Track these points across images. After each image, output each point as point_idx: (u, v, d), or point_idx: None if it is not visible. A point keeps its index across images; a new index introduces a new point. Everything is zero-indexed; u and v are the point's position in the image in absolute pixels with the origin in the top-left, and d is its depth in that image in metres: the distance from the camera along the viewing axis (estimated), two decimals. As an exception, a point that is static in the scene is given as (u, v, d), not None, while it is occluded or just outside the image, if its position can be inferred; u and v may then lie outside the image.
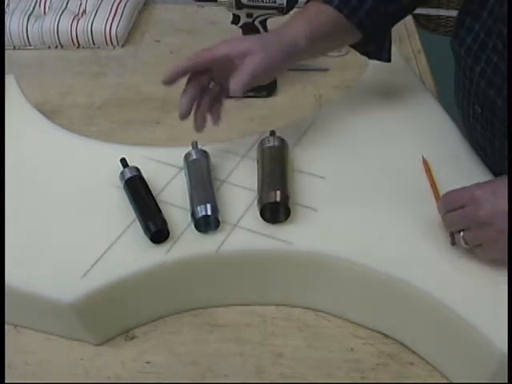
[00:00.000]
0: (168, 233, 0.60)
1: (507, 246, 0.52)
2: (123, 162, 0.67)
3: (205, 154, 0.67)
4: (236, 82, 0.60)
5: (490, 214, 0.51)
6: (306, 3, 0.71)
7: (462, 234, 0.55)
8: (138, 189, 0.64)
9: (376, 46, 0.74)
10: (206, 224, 0.61)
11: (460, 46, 0.71)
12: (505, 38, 0.63)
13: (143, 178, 0.66)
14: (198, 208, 0.60)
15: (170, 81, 0.63)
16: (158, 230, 0.59)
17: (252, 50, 0.61)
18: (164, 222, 0.60)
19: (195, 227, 0.60)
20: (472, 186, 0.55)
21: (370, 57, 0.75)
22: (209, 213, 0.60)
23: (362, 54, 0.75)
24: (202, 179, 0.64)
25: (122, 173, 0.66)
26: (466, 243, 0.55)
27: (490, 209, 0.51)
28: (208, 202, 0.60)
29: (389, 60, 0.75)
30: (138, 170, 0.66)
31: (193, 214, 0.60)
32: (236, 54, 0.61)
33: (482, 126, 0.71)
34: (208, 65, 0.63)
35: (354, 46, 0.74)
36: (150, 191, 0.64)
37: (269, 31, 0.65)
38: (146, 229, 0.59)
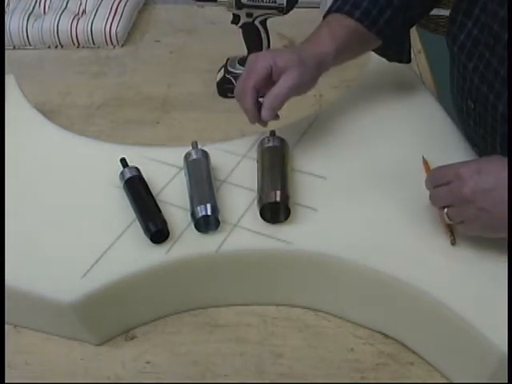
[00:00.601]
0: (168, 233, 0.60)
1: (507, 243, 0.52)
2: (123, 161, 0.67)
3: (205, 153, 0.67)
4: (274, 97, 0.63)
5: (473, 191, 0.52)
6: (325, 16, 0.72)
7: (445, 210, 0.55)
8: (137, 189, 0.64)
9: (396, 49, 0.75)
10: (206, 224, 0.61)
11: (453, 43, 0.72)
12: (495, 35, 0.63)
13: (143, 178, 0.66)
14: (198, 208, 0.60)
15: (256, 121, 0.66)
16: (158, 230, 0.59)
17: (289, 66, 0.63)
18: (164, 222, 0.60)
19: (195, 227, 0.60)
20: (459, 163, 0.55)
21: (390, 60, 0.77)
22: (209, 213, 0.60)
23: (382, 56, 0.76)
24: (202, 179, 0.64)
25: (121, 173, 0.66)
26: (449, 219, 0.55)
27: (473, 186, 0.52)
28: (208, 202, 0.60)
29: (408, 61, 0.77)
30: (137, 170, 0.66)
31: (193, 214, 0.60)
32: (275, 70, 0.63)
33: (475, 122, 0.71)
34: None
35: (374, 50, 0.75)
36: (149, 191, 0.64)
37: (297, 47, 0.68)
38: (146, 229, 0.59)
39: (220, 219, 0.60)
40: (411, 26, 0.75)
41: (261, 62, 0.64)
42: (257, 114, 0.64)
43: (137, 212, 0.62)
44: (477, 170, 0.53)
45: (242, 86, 0.64)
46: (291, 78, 0.63)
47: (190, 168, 0.66)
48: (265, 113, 0.63)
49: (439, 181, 0.56)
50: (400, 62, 0.77)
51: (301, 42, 0.70)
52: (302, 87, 0.65)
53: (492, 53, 0.64)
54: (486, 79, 0.66)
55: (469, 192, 0.52)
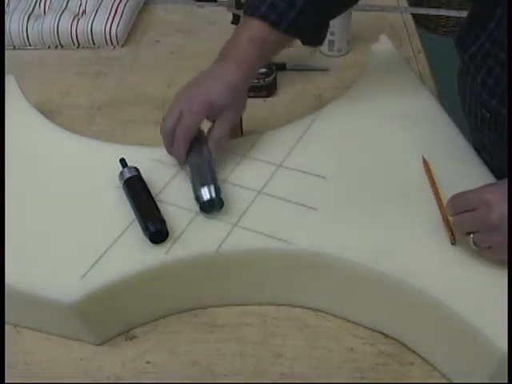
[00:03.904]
0: (167, 233, 0.60)
1: (507, 246, 0.52)
2: (122, 162, 0.67)
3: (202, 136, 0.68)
4: (217, 141, 0.66)
5: (502, 217, 0.51)
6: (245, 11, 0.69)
7: (471, 235, 0.54)
8: (136, 189, 0.64)
9: (314, 39, 0.72)
10: (211, 206, 0.62)
11: (464, 52, 0.71)
12: (507, 50, 0.63)
13: (142, 178, 0.66)
14: (202, 191, 0.61)
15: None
16: (157, 231, 0.59)
17: (225, 106, 0.64)
18: (163, 223, 0.60)
19: (201, 210, 0.62)
20: (482, 189, 0.54)
21: (304, 44, 0.73)
22: (213, 195, 0.61)
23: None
24: (203, 163, 0.65)
25: (121, 173, 0.66)
26: (475, 245, 0.55)
27: (502, 213, 0.51)
28: (211, 184, 0.62)
29: (321, 43, 0.74)
30: (137, 170, 0.66)
31: (197, 198, 0.62)
32: (211, 112, 0.65)
33: (490, 130, 0.71)
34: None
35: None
36: (149, 191, 0.64)
37: (225, 68, 0.66)
38: (146, 229, 0.59)
39: (223, 199, 0.61)
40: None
41: (196, 107, 0.63)
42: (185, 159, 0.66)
43: (136, 212, 0.62)
44: (503, 196, 0.52)
45: (172, 131, 0.65)
46: (229, 119, 0.65)
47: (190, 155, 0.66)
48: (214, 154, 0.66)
49: (463, 207, 0.55)
50: (314, 46, 0.75)
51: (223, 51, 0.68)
52: (238, 118, 0.69)
53: (503, 68, 0.64)
54: (496, 94, 0.65)
55: (497, 218, 0.51)
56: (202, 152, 0.66)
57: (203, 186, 0.62)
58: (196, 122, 0.64)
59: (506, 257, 0.54)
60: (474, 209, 0.54)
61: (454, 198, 0.57)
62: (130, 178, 0.65)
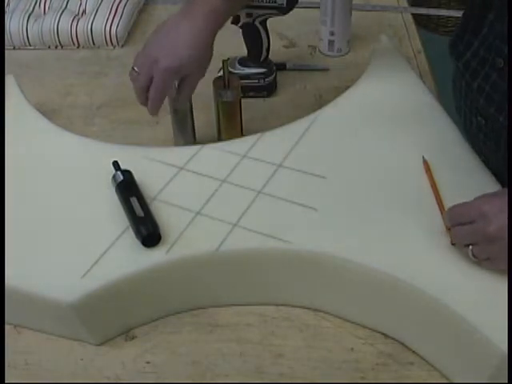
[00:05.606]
0: (159, 236, 0.60)
1: (507, 248, 0.52)
2: (115, 165, 0.67)
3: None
4: (183, 99, 0.74)
5: (500, 229, 0.51)
6: None
7: (470, 247, 0.54)
8: (128, 193, 0.64)
9: None
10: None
11: (457, 59, 0.71)
12: (505, 56, 0.62)
13: (135, 181, 0.65)
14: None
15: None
16: (148, 235, 0.59)
17: (192, 72, 0.70)
18: (153, 226, 0.60)
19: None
20: (479, 201, 0.54)
21: None
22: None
23: None
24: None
25: (113, 176, 0.66)
26: (474, 256, 0.55)
27: (500, 224, 0.51)
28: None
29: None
30: (129, 172, 0.66)
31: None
32: (180, 78, 0.71)
33: (486, 136, 0.70)
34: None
35: None
36: (141, 194, 0.64)
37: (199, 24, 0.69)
38: (137, 233, 0.59)
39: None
40: None
41: (167, 74, 0.68)
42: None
43: (128, 216, 0.62)
44: (500, 207, 0.52)
45: (145, 89, 0.71)
46: (194, 81, 0.71)
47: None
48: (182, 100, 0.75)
49: (460, 220, 0.55)
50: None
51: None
52: (202, 77, 0.72)
53: (500, 74, 0.64)
54: (493, 100, 0.65)
55: (495, 231, 0.51)
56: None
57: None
58: (167, 87, 0.70)
59: (505, 267, 0.54)
60: (471, 221, 0.54)
61: (452, 210, 0.57)
62: (122, 181, 0.65)
